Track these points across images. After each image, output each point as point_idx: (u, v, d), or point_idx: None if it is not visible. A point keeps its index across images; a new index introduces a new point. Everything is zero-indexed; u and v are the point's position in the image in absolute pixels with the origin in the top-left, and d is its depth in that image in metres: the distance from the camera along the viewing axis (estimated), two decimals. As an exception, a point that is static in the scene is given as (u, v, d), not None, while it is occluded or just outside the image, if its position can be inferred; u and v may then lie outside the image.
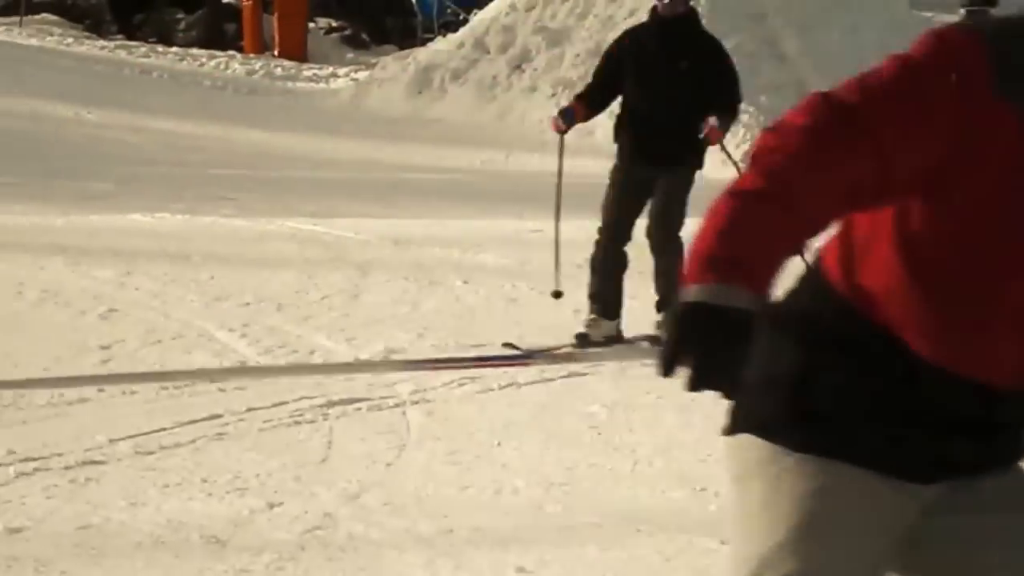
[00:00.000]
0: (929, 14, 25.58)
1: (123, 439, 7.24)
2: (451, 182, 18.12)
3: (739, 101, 9.48)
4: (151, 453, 7.10)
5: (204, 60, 27.56)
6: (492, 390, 8.36)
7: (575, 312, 9.96)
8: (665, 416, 7.88)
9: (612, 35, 23.04)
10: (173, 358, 8.82)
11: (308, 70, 27.47)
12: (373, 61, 27.22)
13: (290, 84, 25.98)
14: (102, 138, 20.01)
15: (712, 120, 9.11)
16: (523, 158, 20.22)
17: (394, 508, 6.37)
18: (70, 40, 28.77)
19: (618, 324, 9.46)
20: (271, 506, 6.36)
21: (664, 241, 9.27)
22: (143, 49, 28.07)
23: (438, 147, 20.48)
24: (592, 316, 9.40)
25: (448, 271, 11.46)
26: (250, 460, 7.00)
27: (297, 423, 7.66)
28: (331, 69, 27.65)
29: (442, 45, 24.53)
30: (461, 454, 7.21)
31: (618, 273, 9.46)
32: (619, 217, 9.44)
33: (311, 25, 29.94)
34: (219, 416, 7.71)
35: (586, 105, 9.53)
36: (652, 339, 9.27)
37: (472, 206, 15.74)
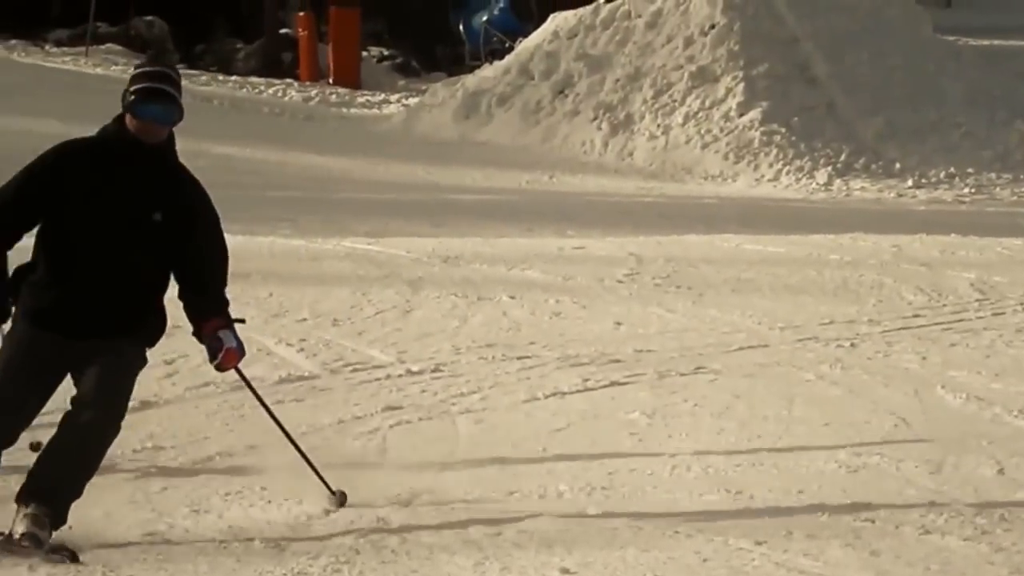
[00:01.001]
0: (952, 38, 25.70)
1: (187, 448, 7.51)
2: (497, 202, 18.30)
3: (226, 284, 6.55)
4: (211, 460, 7.38)
5: (262, 88, 27.85)
6: (538, 399, 8.59)
7: (616, 324, 10.16)
8: (702, 423, 8.10)
9: (651, 61, 23.53)
10: (233, 372, 8.99)
11: (361, 97, 27.71)
12: (423, 87, 27.41)
13: (344, 110, 26.16)
14: (161, 163, 20.14)
15: (227, 338, 6.42)
16: (566, 179, 20.38)
17: (445, 512, 6.59)
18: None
19: None
20: (327, 512, 6.61)
21: (97, 421, 6.21)
22: (204, 78, 28.34)
23: (485, 169, 20.66)
24: None
25: (495, 287, 11.59)
26: (308, 468, 7.26)
27: (353, 432, 7.92)
28: (383, 95, 27.88)
29: (489, 72, 24.75)
30: (508, 460, 7.44)
31: None
32: (10, 397, 6.25)
33: (364, 54, 30.17)
34: (279, 427, 7.96)
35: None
36: None
37: (518, 225, 15.87)
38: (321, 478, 6.73)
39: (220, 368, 6.54)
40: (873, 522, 6.51)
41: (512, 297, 11.28)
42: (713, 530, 6.36)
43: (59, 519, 6.17)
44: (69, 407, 6.23)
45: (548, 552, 6.10)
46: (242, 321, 6.62)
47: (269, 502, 6.73)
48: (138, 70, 6.42)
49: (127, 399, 6.28)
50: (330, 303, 10.80)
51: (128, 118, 6.30)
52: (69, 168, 6.30)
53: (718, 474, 7.19)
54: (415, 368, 9.21)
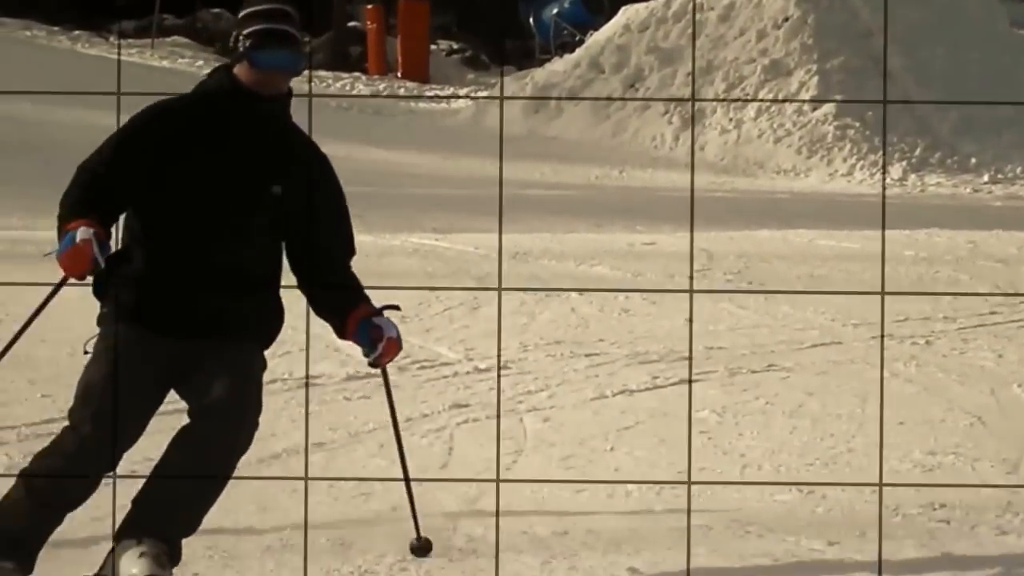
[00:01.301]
0: (1028, 32, 25.50)
1: (254, 445, 7.47)
2: (566, 197, 18.30)
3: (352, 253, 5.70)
4: (278, 458, 7.35)
5: (330, 81, 27.98)
6: (605, 397, 8.54)
7: (686, 321, 10.07)
8: (773, 421, 8.03)
9: (723, 54, 23.54)
10: (301, 368, 9.05)
11: (430, 91, 27.81)
12: (492, 81, 27.48)
13: (412, 104, 26.27)
14: (229, 158, 20.36)
15: (387, 326, 5.49)
16: (636, 174, 20.36)
17: (511, 511, 6.47)
18: (200, 63, 29.22)
19: None
20: (394, 509, 6.53)
21: (219, 435, 5.28)
22: (272, 72, 28.53)
23: (554, 164, 20.65)
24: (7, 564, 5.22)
25: (563, 283, 11.56)
26: (375, 466, 7.22)
27: (420, 430, 7.89)
28: (452, 89, 27.98)
29: (559, 65, 24.74)
30: (575, 459, 7.40)
31: (61, 511, 5.29)
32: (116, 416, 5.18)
33: (433, 47, 30.28)
34: (345, 425, 7.94)
35: (99, 221, 5.06)
36: None
37: (586, 220, 15.88)
38: (416, 520, 5.83)
39: (377, 363, 5.51)
40: (948, 522, 6.44)
41: (581, 294, 11.20)
42: (784, 530, 6.30)
43: (176, 557, 5.23)
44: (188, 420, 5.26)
45: (616, 551, 6.06)
46: (396, 307, 5.68)
47: (336, 499, 6.71)
48: (249, 9, 5.25)
49: (260, 410, 5.28)
50: (398, 300, 10.76)
51: (242, 68, 5.19)
52: (169, 133, 5.20)
53: (789, 473, 7.14)
54: (482, 365, 9.18)
